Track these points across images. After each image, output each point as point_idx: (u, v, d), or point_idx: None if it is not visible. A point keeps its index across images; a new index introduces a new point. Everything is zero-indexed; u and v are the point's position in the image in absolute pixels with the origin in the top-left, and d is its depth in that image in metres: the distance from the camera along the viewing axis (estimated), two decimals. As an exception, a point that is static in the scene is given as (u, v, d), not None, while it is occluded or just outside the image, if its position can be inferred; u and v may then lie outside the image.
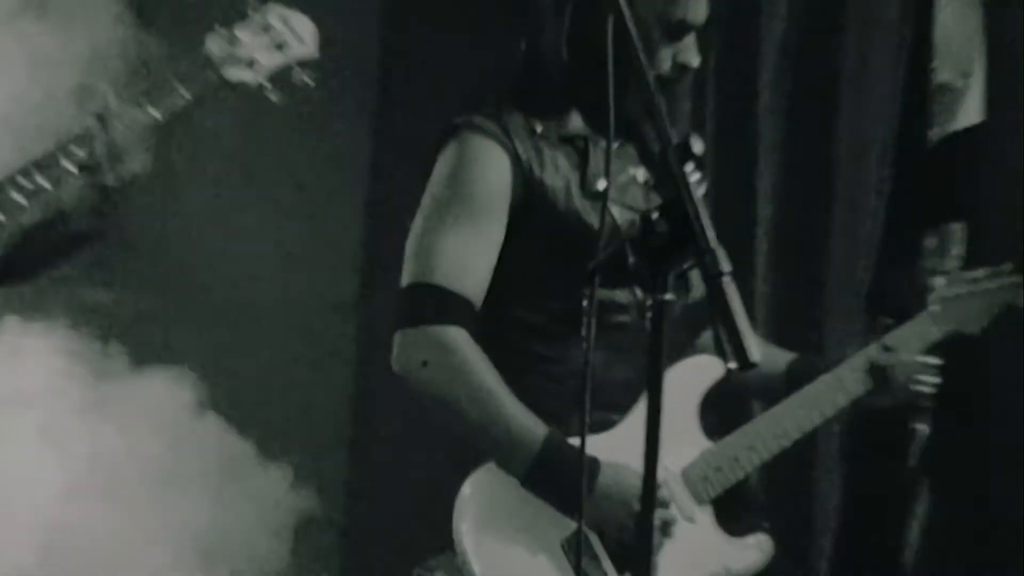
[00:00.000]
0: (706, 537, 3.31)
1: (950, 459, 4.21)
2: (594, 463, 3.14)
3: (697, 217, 2.36)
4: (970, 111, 4.22)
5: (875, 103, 4.11)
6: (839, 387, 3.41)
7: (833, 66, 4.20)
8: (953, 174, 4.10)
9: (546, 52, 3.26)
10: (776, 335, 3.98)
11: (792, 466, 3.49)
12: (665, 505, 3.22)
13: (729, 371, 2.73)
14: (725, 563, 3.32)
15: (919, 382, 3.45)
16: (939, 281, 3.58)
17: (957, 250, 4.06)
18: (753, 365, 2.29)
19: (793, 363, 3.50)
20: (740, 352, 2.30)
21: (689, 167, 2.40)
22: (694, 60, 3.31)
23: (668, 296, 2.36)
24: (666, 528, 3.20)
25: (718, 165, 4.32)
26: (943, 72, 4.52)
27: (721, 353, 2.31)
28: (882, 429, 3.98)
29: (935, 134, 4.40)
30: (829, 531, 4.19)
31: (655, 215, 2.38)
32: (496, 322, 3.28)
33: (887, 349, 3.44)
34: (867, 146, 4.14)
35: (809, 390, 3.40)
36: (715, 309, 2.32)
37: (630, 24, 2.45)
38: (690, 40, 3.28)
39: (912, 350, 3.45)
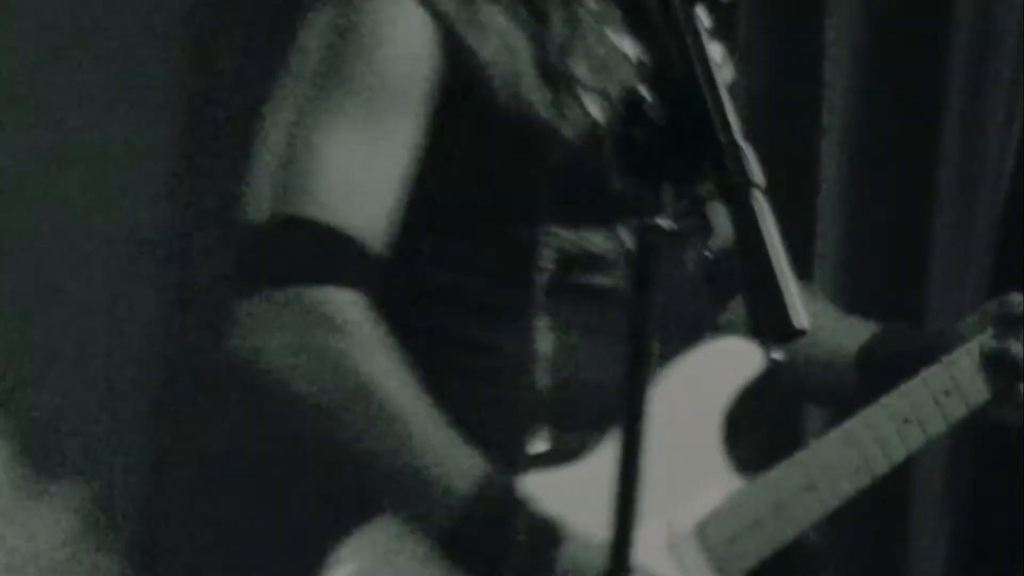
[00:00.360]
0: None
1: None
2: (555, 530, 2.45)
3: (715, 96, 1.86)
4: None
5: None
6: (954, 387, 2.60)
7: None
8: None
9: None
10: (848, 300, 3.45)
11: (873, 514, 2.94)
12: None
13: (771, 360, 2.54)
14: None
15: None
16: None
17: None
18: (798, 334, 1.78)
19: (871, 344, 2.72)
20: (775, 315, 1.78)
21: (704, 17, 1.95)
22: None
23: (663, 222, 1.85)
24: None
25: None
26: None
27: (752, 321, 1.79)
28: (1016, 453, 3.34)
29: None
30: None
31: (646, 93, 1.89)
32: (403, 282, 2.53)
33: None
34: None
35: (906, 391, 2.58)
36: (740, 244, 1.82)
37: None
38: None
39: None
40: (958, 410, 2.62)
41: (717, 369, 2.62)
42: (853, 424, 2.59)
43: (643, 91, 1.87)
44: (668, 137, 1.85)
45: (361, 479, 2.50)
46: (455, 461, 2.42)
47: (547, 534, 2.43)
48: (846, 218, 3.65)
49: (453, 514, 2.42)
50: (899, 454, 2.59)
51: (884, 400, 2.58)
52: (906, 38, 3.63)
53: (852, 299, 3.50)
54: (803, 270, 3.58)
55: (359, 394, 2.43)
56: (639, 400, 1.84)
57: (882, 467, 2.58)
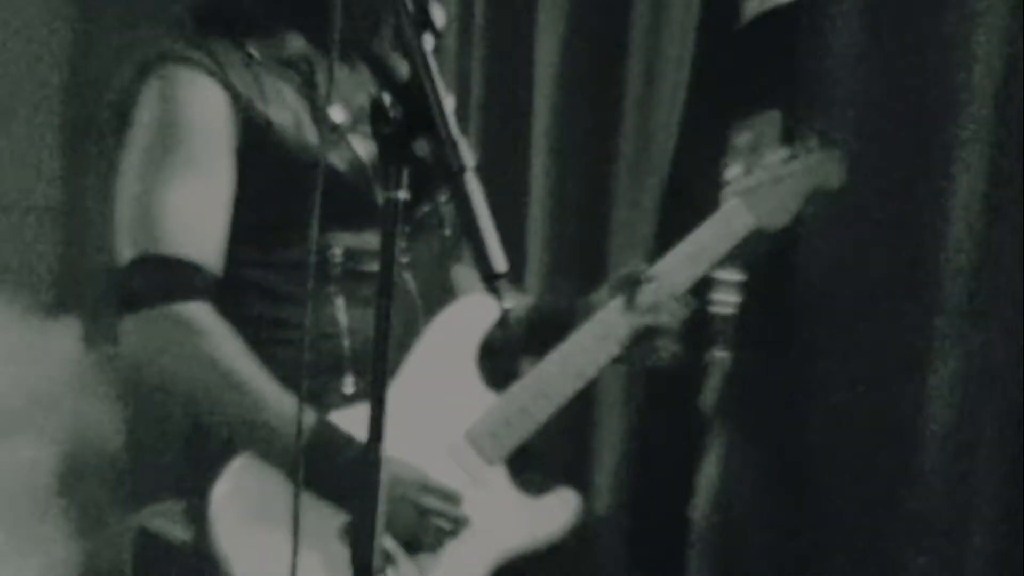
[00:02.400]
0: (504, 503, 3.23)
1: (748, 397, 4.14)
2: (359, 445, 2.93)
3: (437, 100, 2.31)
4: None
5: None
6: (607, 332, 3.28)
7: None
8: (767, 56, 4.03)
9: None
10: (558, 261, 4.05)
11: (568, 408, 3.30)
12: (455, 500, 3.13)
13: (502, 309, 3.02)
14: (530, 529, 3.26)
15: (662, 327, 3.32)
16: (733, 172, 3.43)
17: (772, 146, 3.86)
18: (499, 276, 2.27)
19: (535, 310, 3.41)
20: (485, 263, 2.27)
21: (428, 41, 2.34)
22: None
23: (402, 194, 2.30)
24: (457, 525, 3.14)
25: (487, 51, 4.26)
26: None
27: (477, 267, 2.31)
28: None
29: (750, 10, 4.30)
30: (614, 483, 4.08)
31: (388, 99, 2.32)
32: (234, 287, 3.11)
33: (641, 283, 3.31)
34: (666, 23, 4.02)
35: (581, 333, 3.29)
36: (459, 213, 2.30)
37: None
38: None
39: (683, 278, 3.33)
40: (614, 346, 3.25)
41: (468, 316, 3.22)
42: (568, 346, 3.23)
43: (386, 99, 2.31)
44: (404, 130, 2.29)
45: (230, 433, 3.05)
46: (283, 410, 2.97)
47: (353, 449, 2.95)
48: (549, 198, 4.13)
49: (283, 450, 2.96)
50: (593, 369, 3.25)
51: (575, 337, 3.23)
52: (592, 67, 4.06)
53: (553, 262, 4.11)
54: (517, 237, 4.10)
55: (214, 374, 2.99)
56: (385, 325, 2.33)
57: (592, 372, 3.24)
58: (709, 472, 4.28)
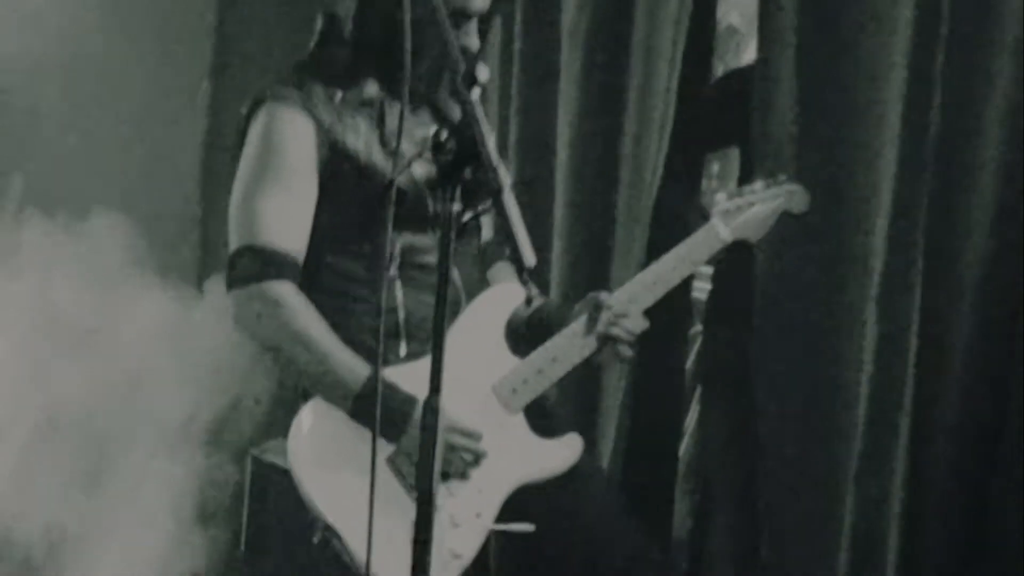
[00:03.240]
0: (520, 442, 3.45)
1: (717, 365, 4.50)
2: (410, 399, 3.33)
3: (482, 137, 2.57)
4: (753, 51, 4.51)
5: (663, 44, 4.37)
6: (584, 332, 3.54)
7: (627, 17, 4.45)
8: (733, 105, 4.36)
9: (342, 26, 3.42)
10: (571, 265, 4.35)
11: (582, 367, 3.56)
12: (476, 438, 3.36)
13: (528, 295, 3.12)
14: (540, 464, 3.45)
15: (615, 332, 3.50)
16: (720, 196, 3.68)
17: (737, 174, 4.32)
18: (529, 267, 2.55)
19: (538, 310, 3.64)
20: (517, 256, 2.56)
21: (475, 92, 2.60)
22: (474, 45, 3.44)
23: (456, 207, 2.58)
24: (477, 458, 3.38)
25: (522, 107, 4.59)
26: (731, 16, 4.91)
27: (514, 267, 2.58)
28: (662, 331, 4.13)
29: (721, 70, 4.76)
30: (615, 426, 4.41)
31: (444, 135, 2.62)
32: (316, 270, 3.42)
33: (602, 308, 3.50)
34: (655, 82, 4.39)
35: (572, 327, 3.55)
36: (500, 223, 2.57)
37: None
38: (471, 27, 3.42)
39: (642, 296, 3.53)
40: (588, 348, 3.52)
41: (499, 299, 3.53)
42: (568, 330, 3.53)
43: (443, 135, 2.64)
44: (456, 159, 2.62)
45: (305, 381, 3.43)
46: (348, 366, 3.31)
47: (406, 401, 3.30)
48: (568, 212, 4.52)
49: (351, 394, 3.30)
50: (590, 348, 3.52)
51: (563, 333, 3.49)
52: (599, 118, 4.39)
53: (570, 260, 4.50)
54: (543, 241, 4.38)
55: (297, 336, 3.34)
56: (442, 305, 2.62)
57: (587, 351, 3.52)
58: (691, 420, 4.68)
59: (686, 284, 4.40)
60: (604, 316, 3.45)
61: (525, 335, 3.57)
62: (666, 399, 4.54)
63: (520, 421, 3.46)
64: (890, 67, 4.02)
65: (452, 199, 2.59)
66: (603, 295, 3.49)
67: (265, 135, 3.37)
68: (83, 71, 4.64)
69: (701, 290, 4.64)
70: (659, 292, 3.57)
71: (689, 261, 3.57)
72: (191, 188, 4.92)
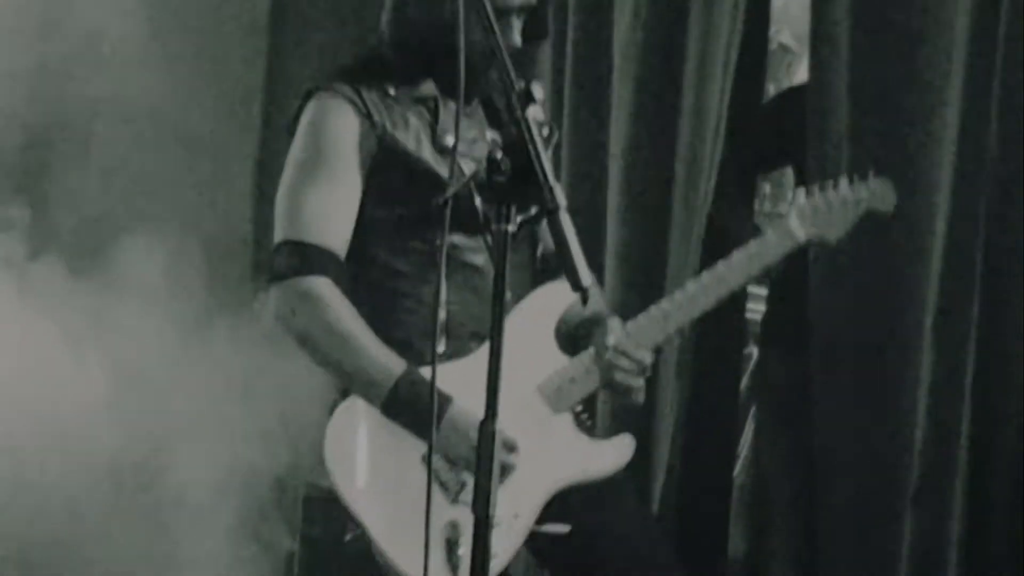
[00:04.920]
0: (565, 443, 3.49)
1: (771, 387, 4.53)
2: (445, 398, 3.38)
3: (537, 156, 2.59)
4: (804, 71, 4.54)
5: (715, 65, 4.38)
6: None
7: (680, 37, 4.49)
8: (786, 125, 4.37)
9: (402, 26, 3.49)
10: (625, 275, 4.41)
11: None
12: (509, 446, 3.38)
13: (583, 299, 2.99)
14: (584, 465, 3.49)
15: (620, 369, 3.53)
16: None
17: (790, 196, 4.25)
18: (584, 288, 2.56)
19: (580, 317, 3.66)
20: (573, 277, 2.57)
21: (531, 111, 2.62)
22: (517, 40, 3.50)
23: (511, 227, 2.59)
24: (505, 470, 3.38)
25: (573, 123, 4.64)
26: (782, 35, 4.98)
27: (570, 282, 2.58)
28: (717, 350, 4.28)
29: (773, 89, 4.86)
30: (669, 443, 4.44)
31: (500, 155, 2.62)
32: (362, 264, 3.48)
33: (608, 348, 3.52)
34: (707, 102, 4.41)
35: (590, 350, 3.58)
36: (555, 241, 2.57)
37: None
38: (513, 22, 3.47)
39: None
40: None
41: (550, 298, 3.56)
42: (585, 354, 3.53)
43: (499, 154, 2.62)
44: (512, 179, 2.61)
45: (339, 376, 3.46)
46: (383, 363, 3.36)
47: (441, 400, 3.33)
48: (622, 229, 4.57)
49: (384, 391, 3.34)
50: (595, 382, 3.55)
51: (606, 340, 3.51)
52: (651, 137, 4.45)
53: (624, 276, 4.52)
54: (597, 259, 4.39)
55: (332, 332, 3.39)
56: (499, 318, 2.65)
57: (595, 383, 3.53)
58: (745, 442, 4.73)
59: (740, 304, 4.44)
60: (603, 362, 3.50)
61: (577, 335, 3.60)
62: (720, 420, 4.56)
63: (566, 420, 3.49)
64: (946, 81, 4.02)
65: (507, 220, 2.61)
66: (609, 334, 3.51)
67: (313, 127, 3.43)
68: (138, 99, 4.74)
69: (755, 311, 4.67)
70: (722, 292, 3.59)
71: (758, 261, 3.58)
72: (243, 209, 5.03)
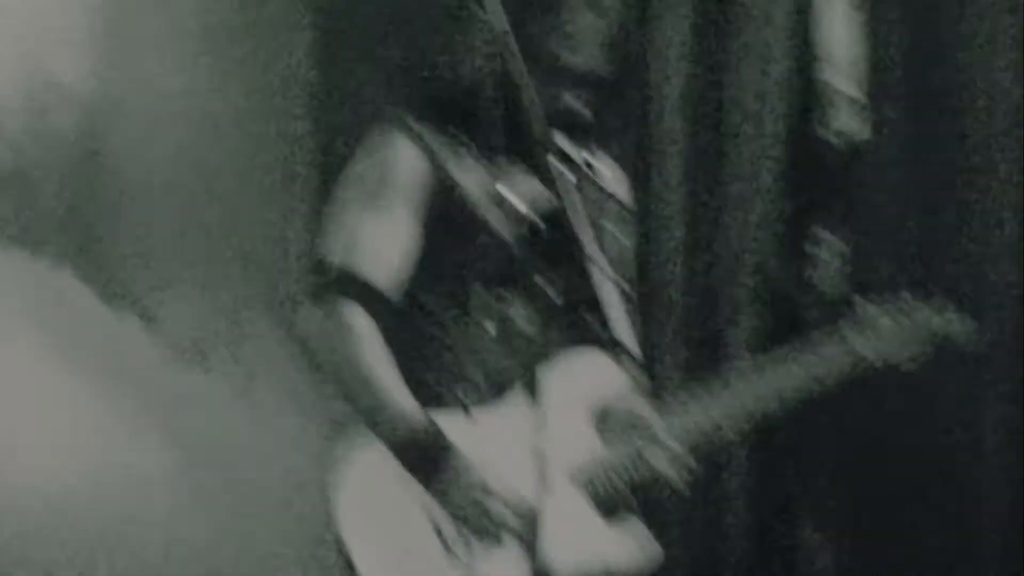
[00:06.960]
0: (573, 518, 3.37)
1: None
2: (449, 449, 3.29)
3: (581, 229, 2.62)
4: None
5: (766, 107, 4.40)
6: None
7: (726, 89, 4.47)
8: (838, 170, 4.36)
9: (472, 72, 3.42)
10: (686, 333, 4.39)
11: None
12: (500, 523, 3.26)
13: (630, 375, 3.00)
14: (602, 557, 3.36)
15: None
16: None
17: (836, 262, 4.22)
18: (639, 361, 2.63)
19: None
20: (623, 351, 2.64)
21: (572, 179, 2.68)
22: (575, 106, 3.41)
23: (556, 299, 2.62)
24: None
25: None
26: (836, 79, 4.73)
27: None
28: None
29: (824, 133, 4.60)
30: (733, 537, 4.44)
31: (541, 224, 2.69)
32: (407, 305, 3.44)
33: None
34: (757, 146, 4.44)
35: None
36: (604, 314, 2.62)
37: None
38: (570, 86, 3.40)
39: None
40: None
41: (589, 369, 3.36)
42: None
43: (540, 223, 2.71)
44: (551, 249, 2.67)
45: (354, 413, 3.33)
46: (399, 410, 3.26)
47: (443, 452, 3.22)
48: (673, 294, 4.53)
49: (396, 440, 3.24)
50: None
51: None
52: (704, 166, 4.44)
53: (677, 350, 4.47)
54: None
55: (353, 369, 3.31)
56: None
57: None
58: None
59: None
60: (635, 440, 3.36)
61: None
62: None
63: (579, 496, 3.36)
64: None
65: (555, 289, 2.62)
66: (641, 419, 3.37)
67: (376, 158, 3.44)
68: (187, 124, 4.73)
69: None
70: (771, 405, 3.34)
71: (812, 378, 3.33)
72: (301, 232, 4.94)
